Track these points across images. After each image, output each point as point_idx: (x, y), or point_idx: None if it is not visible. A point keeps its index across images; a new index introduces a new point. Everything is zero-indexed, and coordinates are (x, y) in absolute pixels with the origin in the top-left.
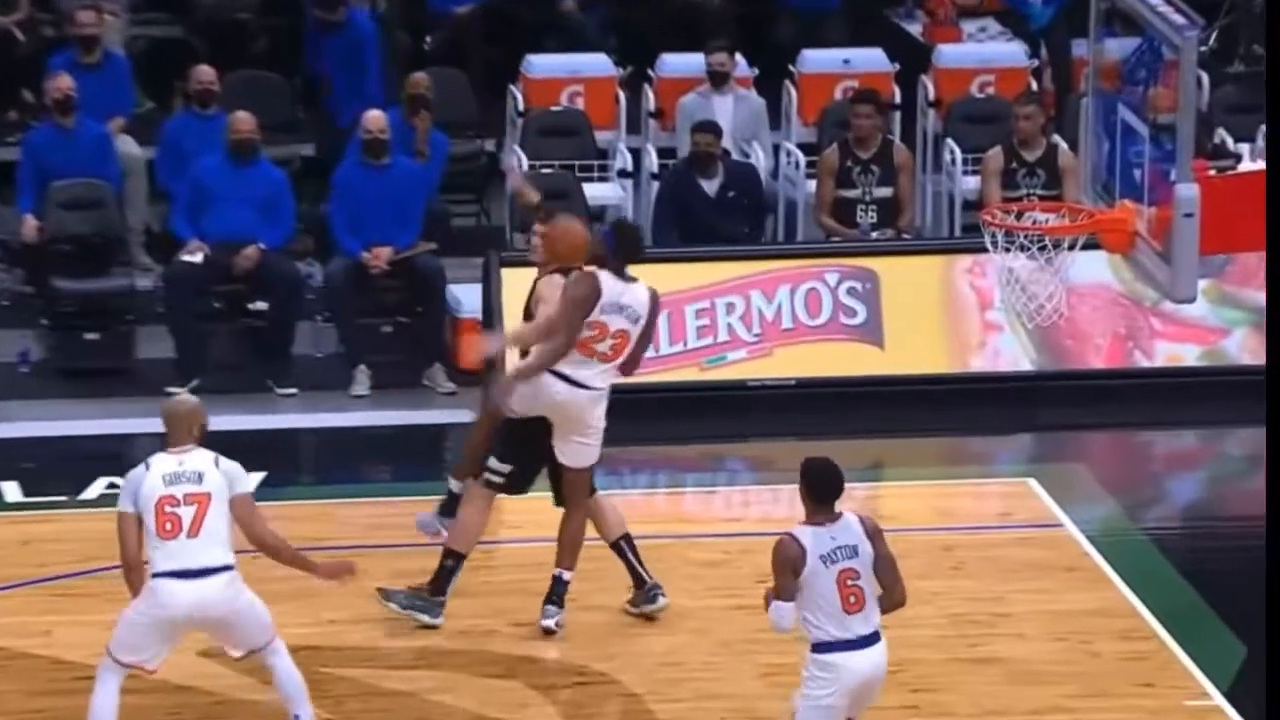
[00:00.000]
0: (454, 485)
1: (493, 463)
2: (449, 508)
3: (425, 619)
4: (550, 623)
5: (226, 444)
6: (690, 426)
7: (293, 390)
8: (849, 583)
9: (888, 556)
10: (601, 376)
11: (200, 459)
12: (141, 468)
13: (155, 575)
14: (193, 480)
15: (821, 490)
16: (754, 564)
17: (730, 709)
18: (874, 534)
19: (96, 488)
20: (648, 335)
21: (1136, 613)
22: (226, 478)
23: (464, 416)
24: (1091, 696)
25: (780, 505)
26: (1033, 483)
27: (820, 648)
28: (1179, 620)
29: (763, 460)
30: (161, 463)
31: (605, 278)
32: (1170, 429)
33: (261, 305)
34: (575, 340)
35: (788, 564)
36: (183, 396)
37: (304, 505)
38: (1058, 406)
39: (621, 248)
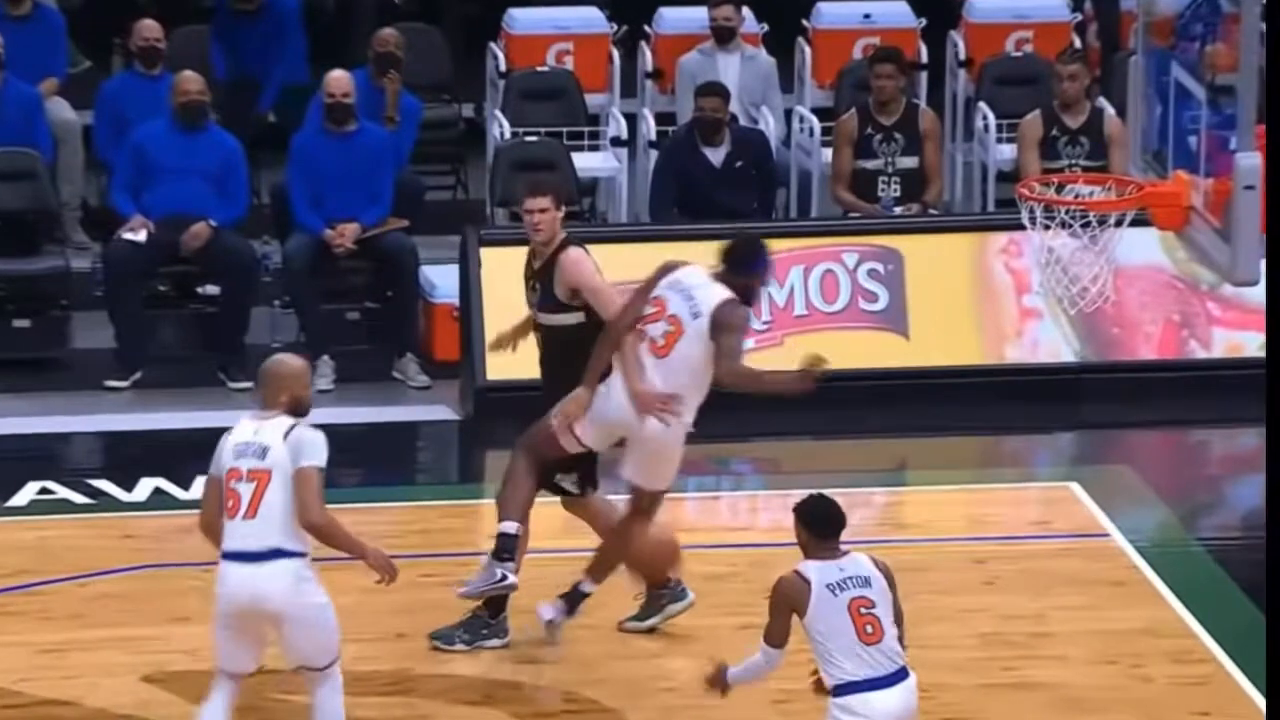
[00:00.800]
0: (509, 527)
1: (560, 478)
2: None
3: (496, 642)
4: (551, 613)
5: (174, 444)
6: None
7: (247, 384)
8: (863, 611)
9: (899, 608)
10: (675, 380)
11: (274, 430)
12: (229, 431)
13: (220, 557)
14: (257, 455)
15: (821, 525)
16: (764, 578)
17: None
18: (886, 573)
19: (27, 493)
20: (723, 348)
21: (1192, 632)
22: (292, 450)
23: (439, 413)
24: None
25: (790, 511)
26: (1075, 487)
27: (841, 690)
28: (1239, 641)
29: (773, 462)
30: (239, 430)
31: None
32: (1229, 426)
33: (212, 289)
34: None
35: (786, 601)
36: (287, 356)
37: None
38: (1103, 402)
39: (731, 255)
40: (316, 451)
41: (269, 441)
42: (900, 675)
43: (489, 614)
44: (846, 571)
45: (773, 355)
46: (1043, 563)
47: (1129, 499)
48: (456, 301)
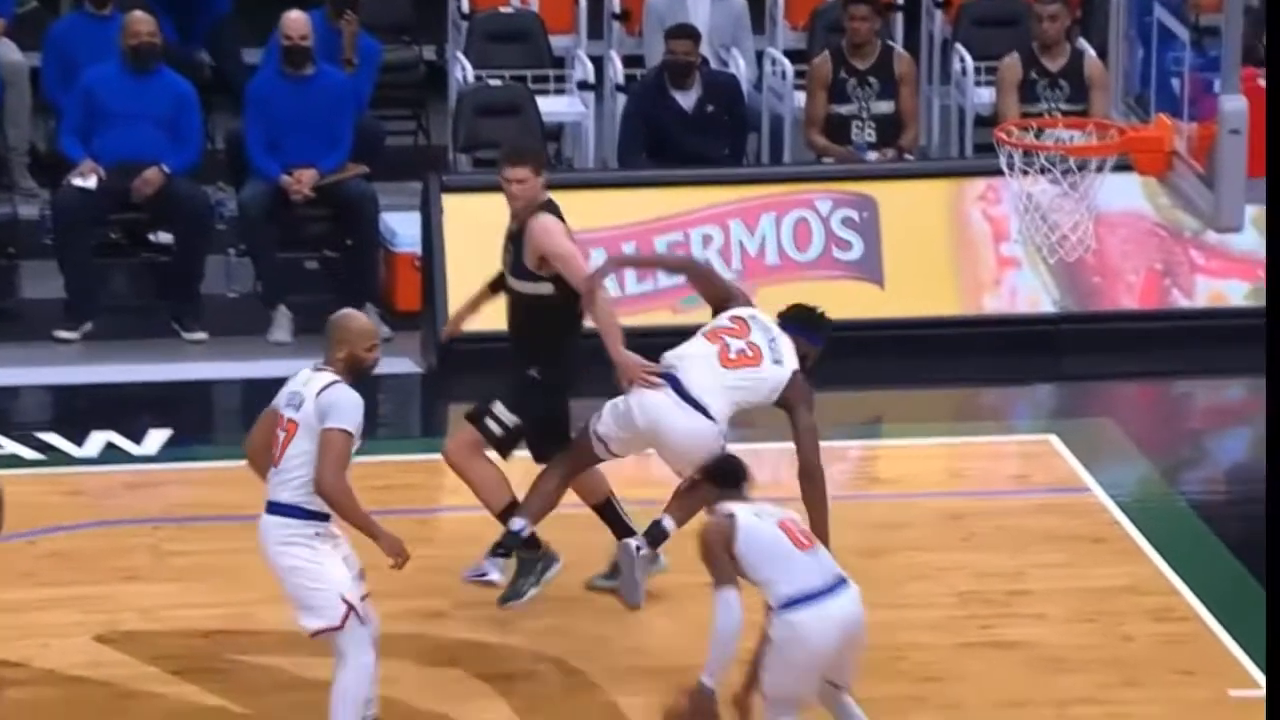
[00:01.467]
0: (515, 524)
1: (500, 409)
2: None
3: (553, 572)
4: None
5: (126, 397)
6: None
7: (202, 335)
8: (791, 526)
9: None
10: (725, 397)
11: (316, 383)
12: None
13: None
14: (294, 405)
15: (730, 482)
16: None
17: None
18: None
19: None
20: (804, 424)
21: (1174, 590)
22: (320, 410)
23: (400, 365)
24: (1123, 686)
25: (764, 467)
26: (1055, 440)
27: (783, 607)
28: (1223, 598)
29: (743, 415)
30: (298, 375)
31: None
32: (1213, 378)
33: (165, 237)
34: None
35: (717, 541)
36: (354, 313)
37: (219, 468)
38: (1083, 353)
39: (803, 319)
40: (345, 415)
41: (306, 394)
42: (844, 582)
43: (532, 553)
44: (761, 506)
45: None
46: (1021, 518)
47: (1110, 452)
48: (418, 250)
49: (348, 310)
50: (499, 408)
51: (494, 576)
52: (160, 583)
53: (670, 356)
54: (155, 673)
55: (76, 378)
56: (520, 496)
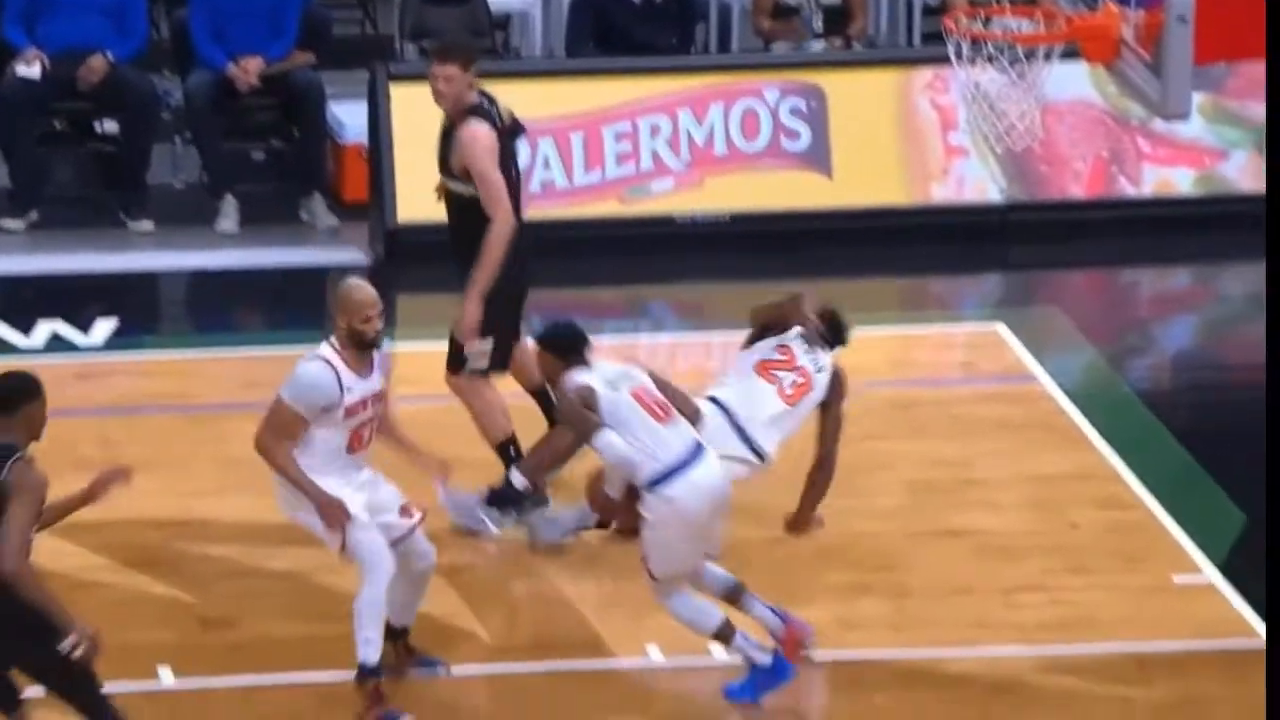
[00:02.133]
0: (516, 479)
1: (479, 344)
2: (502, 499)
3: (544, 509)
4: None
5: (72, 287)
6: (610, 267)
7: (149, 225)
8: (647, 397)
9: (676, 393)
10: (783, 433)
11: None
12: None
13: None
14: None
15: (571, 349)
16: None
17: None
18: (643, 366)
19: None
20: (837, 418)
21: (1120, 478)
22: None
23: (348, 256)
24: (1069, 573)
25: (713, 357)
26: (1002, 329)
27: (652, 483)
28: (1168, 486)
29: (692, 305)
30: None
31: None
32: (1160, 266)
33: (111, 126)
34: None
35: (580, 402)
36: (355, 282)
37: (165, 358)
38: (1031, 242)
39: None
40: (291, 382)
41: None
42: (702, 449)
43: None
44: (610, 371)
45: (691, 196)
46: (969, 407)
47: (1057, 341)
48: (365, 141)
49: (352, 280)
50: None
51: (492, 529)
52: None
53: (723, 395)
54: (105, 563)
55: (22, 267)
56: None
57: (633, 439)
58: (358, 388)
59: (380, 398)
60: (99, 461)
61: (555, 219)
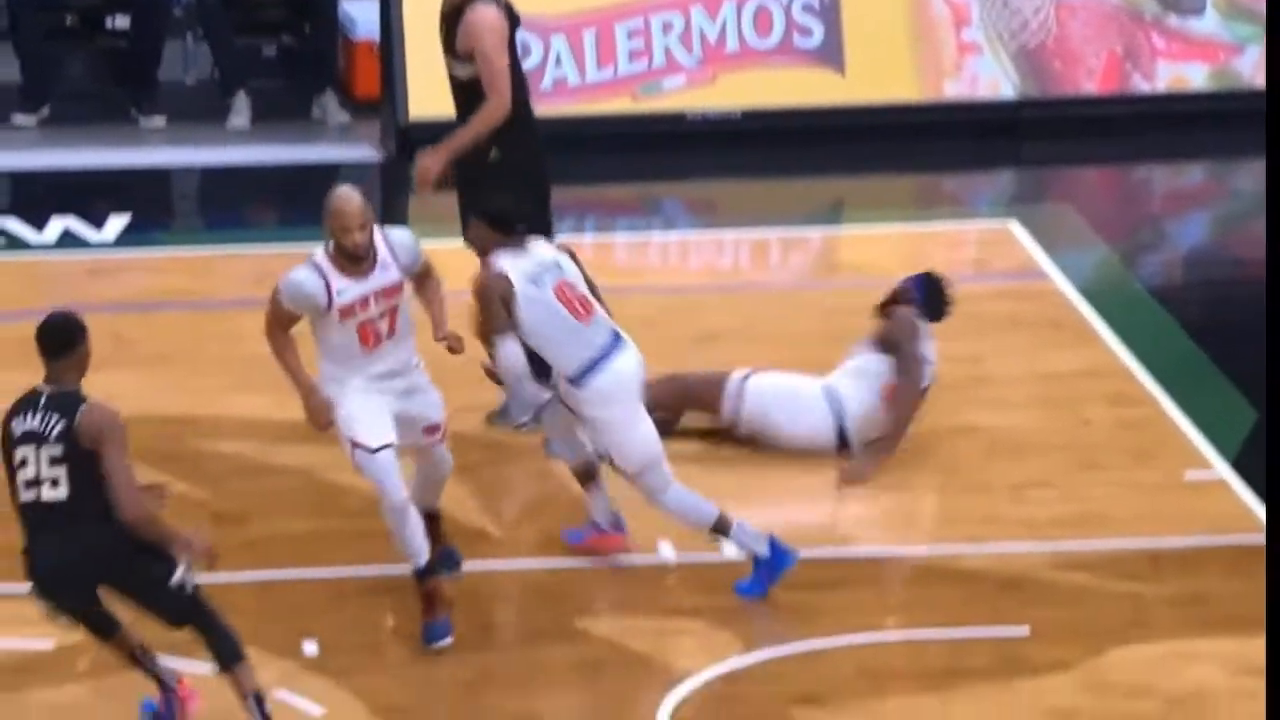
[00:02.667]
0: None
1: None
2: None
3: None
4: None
5: (85, 183)
6: (622, 164)
7: (160, 121)
8: (569, 293)
9: (592, 283)
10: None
11: None
12: None
13: None
14: None
15: (507, 224)
16: (695, 323)
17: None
18: (569, 252)
19: None
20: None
21: (1131, 374)
22: None
23: (360, 153)
24: (1080, 470)
25: (724, 254)
26: (1015, 226)
27: (576, 379)
28: (1180, 382)
29: (704, 203)
30: None
31: None
32: (1173, 163)
33: (122, 22)
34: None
35: (494, 292)
36: (340, 191)
37: (177, 255)
38: (1044, 139)
39: (928, 300)
40: (285, 278)
41: None
42: (621, 339)
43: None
44: (537, 260)
45: (703, 93)
46: (981, 304)
47: (1069, 238)
48: (377, 37)
49: (342, 189)
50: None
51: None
52: (123, 369)
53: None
54: None
55: (34, 163)
56: None
57: (548, 340)
58: (351, 290)
59: (390, 293)
60: (112, 358)
61: (567, 116)
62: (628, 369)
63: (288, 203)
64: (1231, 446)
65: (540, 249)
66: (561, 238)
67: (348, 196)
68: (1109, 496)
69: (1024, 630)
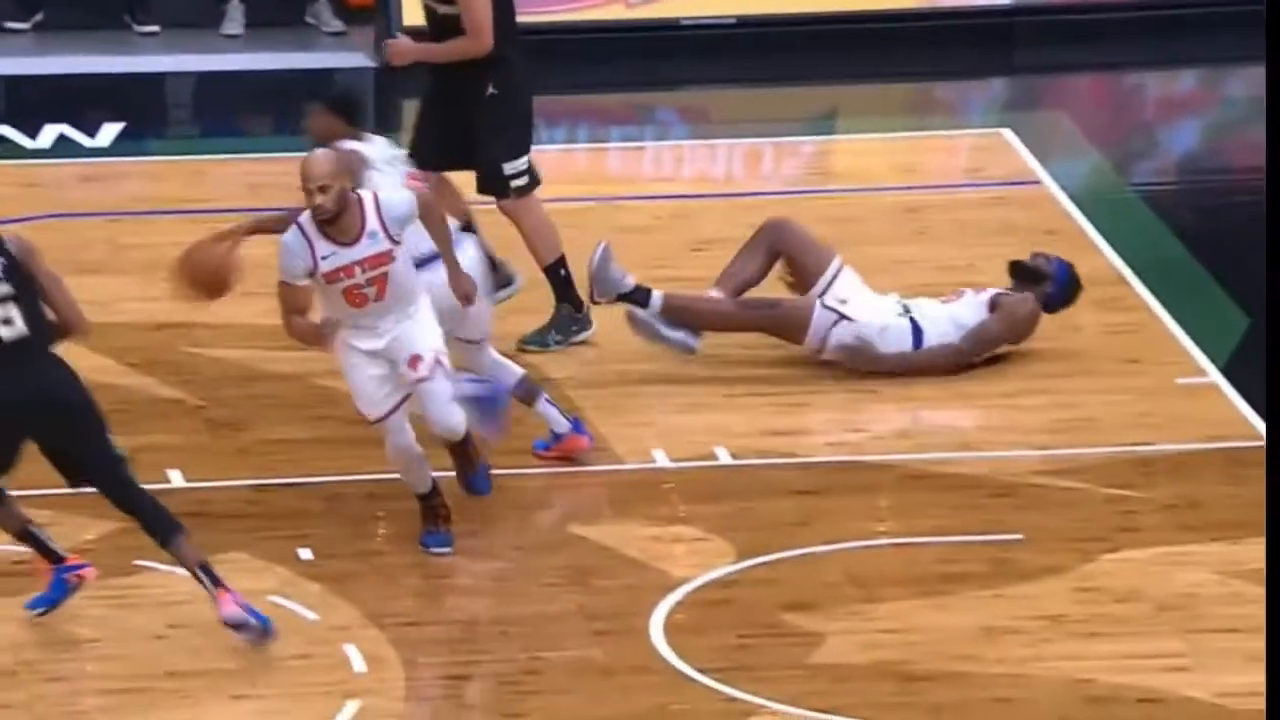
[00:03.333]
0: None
1: (512, 166)
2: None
3: (586, 334)
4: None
5: (78, 90)
6: (615, 72)
7: (154, 28)
8: (417, 182)
9: None
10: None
11: None
12: None
13: None
14: None
15: (355, 112)
16: (690, 230)
17: (661, 393)
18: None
19: None
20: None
21: (1124, 279)
22: None
23: (353, 59)
24: (1072, 375)
25: (717, 162)
26: (1008, 133)
27: (420, 264)
28: (1172, 288)
29: (699, 110)
30: None
31: None
32: (1165, 69)
33: None
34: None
35: (353, 164)
36: (310, 155)
37: (172, 162)
38: (1036, 45)
39: (1061, 294)
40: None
41: None
42: (462, 234)
43: (573, 309)
44: (385, 152)
45: (697, 0)
46: (974, 211)
47: (1062, 145)
48: None
49: (314, 150)
50: (505, 167)
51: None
52: (118, 275)
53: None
54: (112, 365)
55: (28, 68)
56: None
57: (401, 225)
58: (335, 256)
59: (375, 261)
60: (108, 263)
61: (560, 23)
62: (466, 264)
63: (281, 110)
64: (1223, 353)
65: (384, 144)
66: (555, 146)
67: (312, 158)
68: (1100, 403)
69: (1016, 536)
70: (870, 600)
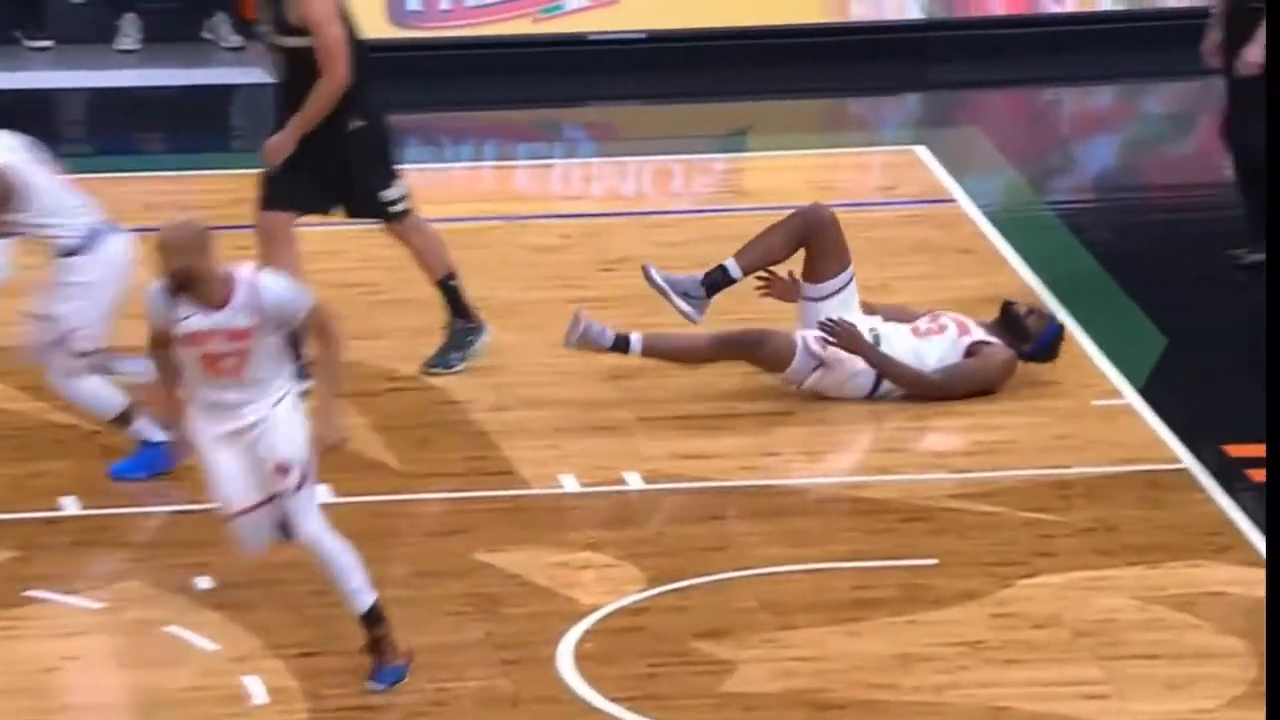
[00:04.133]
0: (732, 268)
1: (390, 193)
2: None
3: (483, 339)
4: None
5: None
6: (522, 88)
7: (47, 43)
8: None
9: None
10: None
11: None
12: None
13: None
14: None
15: None
16: (600, 249)
17: (569, 416)
18: None
19: None
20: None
21: (1040, 300)
22: None
23: (251, 75)
24: (988, 398)
25: (626, 180)
26: (922, 151)
27: (68, 253)
28: (1088, 308)
29: (608, 127)
30: None
31: None
32: (1082, 85)
33: None
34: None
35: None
36: (173, 221)
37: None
38: (952, 61)
39: (1044, 350)
40: None
41: None
42: (114, 228)
43: (464, 320)
44: (14, 142)
45: (605, 15)
46: (888, 230)
47: (977, 162)
48: None
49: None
50: (380, 194)
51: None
52: (11, 297)
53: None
54: (3, 390)
55: None
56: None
57: (41, 207)
58: (199, 319)
59: (236, 336)
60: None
61: (465, 38)
62: (118, 255)
63: (179, 126)
64: (1140, 374)
65: (9, 136)
66: (462, 164)
67: (169, 226)
68: (1017, 425)
69: (931, 561)
70: (783, 627)
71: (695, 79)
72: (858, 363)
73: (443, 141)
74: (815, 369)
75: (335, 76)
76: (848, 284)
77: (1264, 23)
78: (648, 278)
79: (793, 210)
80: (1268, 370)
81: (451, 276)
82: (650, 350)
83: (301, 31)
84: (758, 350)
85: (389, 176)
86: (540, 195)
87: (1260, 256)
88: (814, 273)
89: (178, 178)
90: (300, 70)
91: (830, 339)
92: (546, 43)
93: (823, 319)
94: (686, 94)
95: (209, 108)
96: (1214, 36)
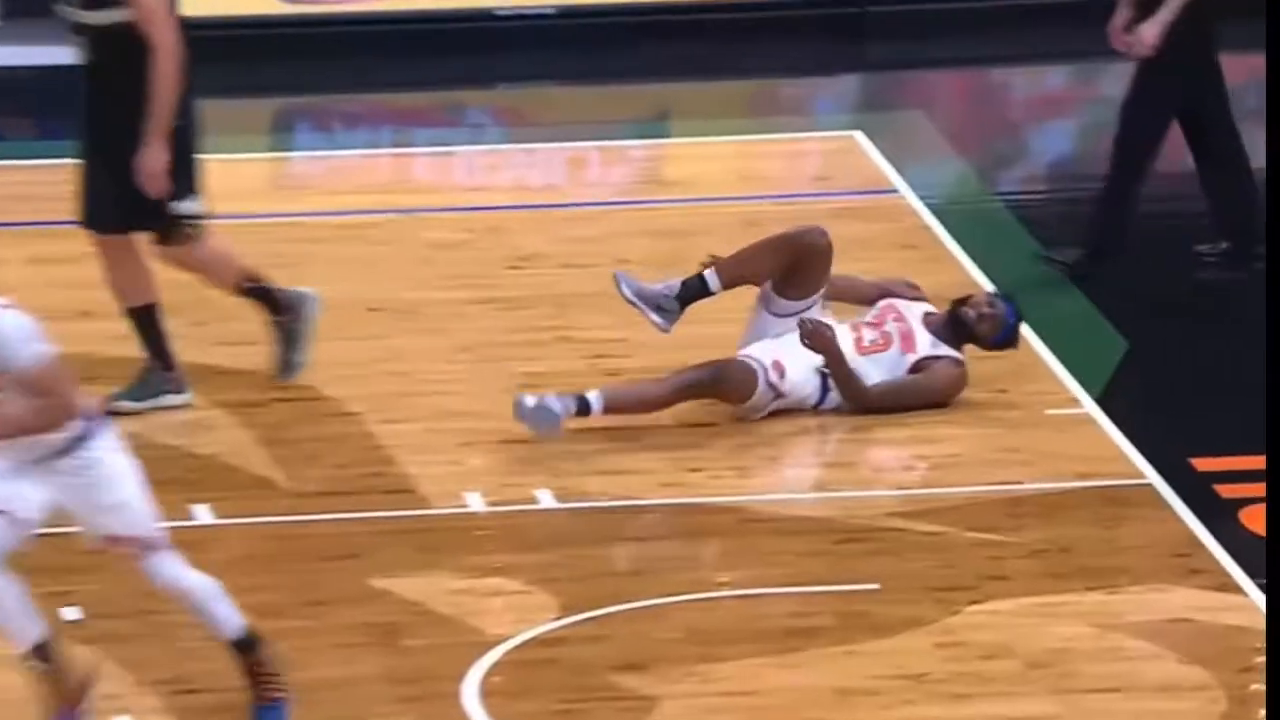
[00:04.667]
0: (711, 280)
1: (186, 206)
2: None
3: (177, 399)
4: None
5: None
6: (423, 68)
7: None
8: None
9: None
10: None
11: None
12: None
13: None
14: None
15: None
16: (506, 244)
17: (475, 429)
18: None
19: None
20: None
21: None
22: None
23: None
24: (933, 408)
25: (535, 169)
26: (860, 137)
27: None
28: (1042, 309)
29: (515, 111)
30: None
31: None
32: (1032, 64)
33: None
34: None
35: None
36: None
37: None
38: (891, 39)
39: (1003, 342)
40: None
41: None
42: None
43: (163, 365)
44: None
45: None
46: (824, 223)
47: (920, 149)
48: None
49: None
50: (175, 206)
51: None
52: None
53: None
54: None
55: None
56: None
57: None
58: None
59: None
60: None
61: (359, 14)
62: None
63: (44, 109)
64: (1098, 380)
65: None
66: (354, 151)
67: None
68: (963, 437)
69: (872, 586)
70: (711, 659)
71: (611, 58)
72: (808, 389)
73: (334, 126)
74: (774, 399)
75: (165, 44)
76: (810, 308)
77: (1169, 2)
78: (619, 290)
79: (790, 230)
80: (1268, 370)
81: (253, 277)
82: (611, 408)
83: (110, 3)
84: (721, 387)
85: (189, 187)
86: (441, 186)
87: (1223, 246)
88: (784, 288)
89: (43, 166)
90: (102, 50)
91: (806, 341)
92: (449, 18)
93: (803, 318)
94: (601, 74)
95: (76, 89)
96: (1124, 15)
